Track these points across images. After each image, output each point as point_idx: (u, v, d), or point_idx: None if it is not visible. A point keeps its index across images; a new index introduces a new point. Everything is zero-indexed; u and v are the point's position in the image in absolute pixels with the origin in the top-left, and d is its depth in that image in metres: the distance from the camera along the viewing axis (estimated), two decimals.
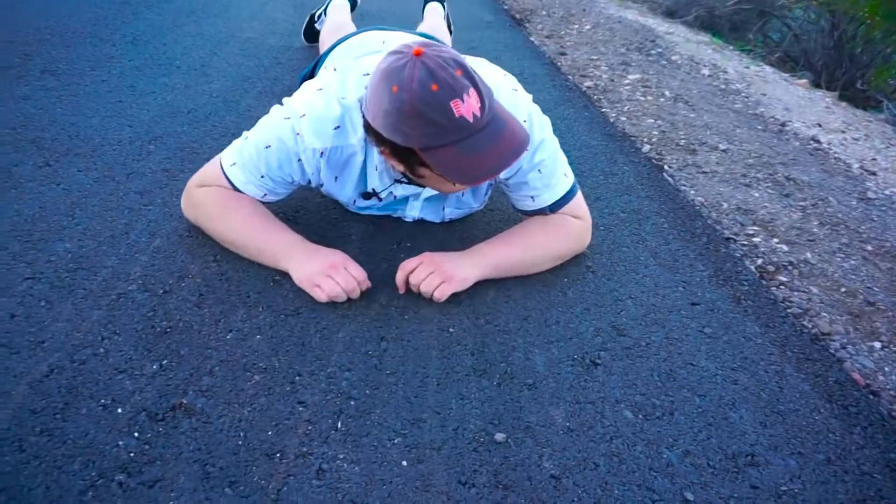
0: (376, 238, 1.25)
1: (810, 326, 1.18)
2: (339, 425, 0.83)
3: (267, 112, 1.11)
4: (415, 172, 0.97)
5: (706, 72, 3.22)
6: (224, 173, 1.11)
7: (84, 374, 0.86)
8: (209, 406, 0.83)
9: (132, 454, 0.76)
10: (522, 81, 1.16)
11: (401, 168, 0.98)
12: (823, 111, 3.17)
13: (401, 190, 1.16)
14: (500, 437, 0.84)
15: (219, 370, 0.89)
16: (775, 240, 1.49)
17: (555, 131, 1.15)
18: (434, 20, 2.37)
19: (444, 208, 1.27)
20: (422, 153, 0.89)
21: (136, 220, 1.22)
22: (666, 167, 1.82)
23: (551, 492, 0.78)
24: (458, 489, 0.77)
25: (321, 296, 1.04)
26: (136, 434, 0.78)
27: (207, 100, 1.86)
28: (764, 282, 1.31)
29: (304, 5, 3.14)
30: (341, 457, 0.79)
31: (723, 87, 3.01)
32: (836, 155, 2.29)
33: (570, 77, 2.64)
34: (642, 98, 2.50)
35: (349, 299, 1.06)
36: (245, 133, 1.12)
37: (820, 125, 2.80)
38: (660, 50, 3.40)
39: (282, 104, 1.09)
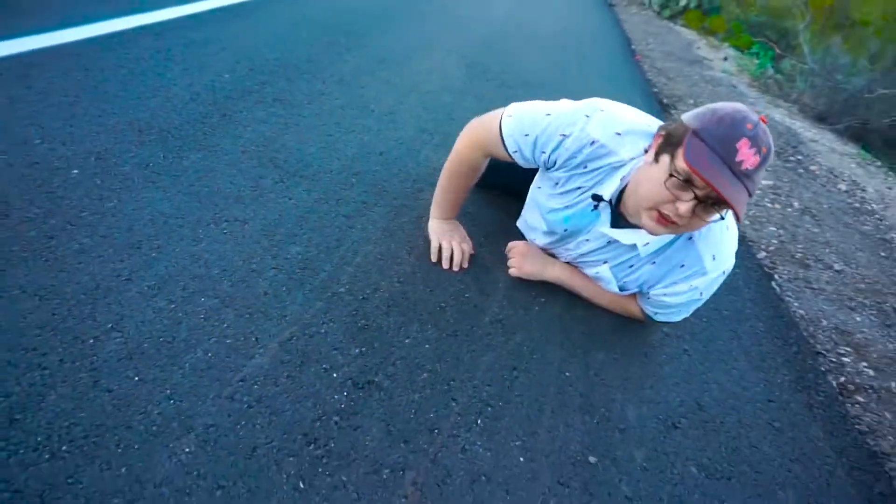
0: (518, 288, 1.58)
1: (872, 444, 1.37)
2: (479, 422, 1.16)
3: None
4: (656, 157, 1.12)
5: (843, 187, 3.31)
6: (500, 118, 1.38)
7: (312, 345, 1.24)
8: (392, 386, 1.19)
9: (343, 405, 1.12)
10: None
11: (652, 155, 1.13)
12: None
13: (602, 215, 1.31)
14: (592, 459, 1.13)
15: (399, 364, 1.25)
16: (864, 363, 1.67)
17: None
18: None
19: (603, 263, 1.40)
20: (691, 134, 1.04)
21: (344, 238, 1.63)
22: (776, 276, 2.02)
23: None
24: (556, 487, 1.07)
25: (435, 251, 1.59)
26: (345, 393, 1.15)
27: (394, 145, 2.28)
28: (841, 397, 1.50)
29: (475, 65, 3.59)
30: (478, 444, 1.11)
31: (857, 205, 3.10)
32: None
33: None
34: (770, 205, 2.68)
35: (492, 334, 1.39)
36: (538, 101, 1.36)
37: None
38: (800, 157, 3.52)
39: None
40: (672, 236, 1.27)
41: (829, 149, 4.00)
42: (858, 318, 1.89)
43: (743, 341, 1.59)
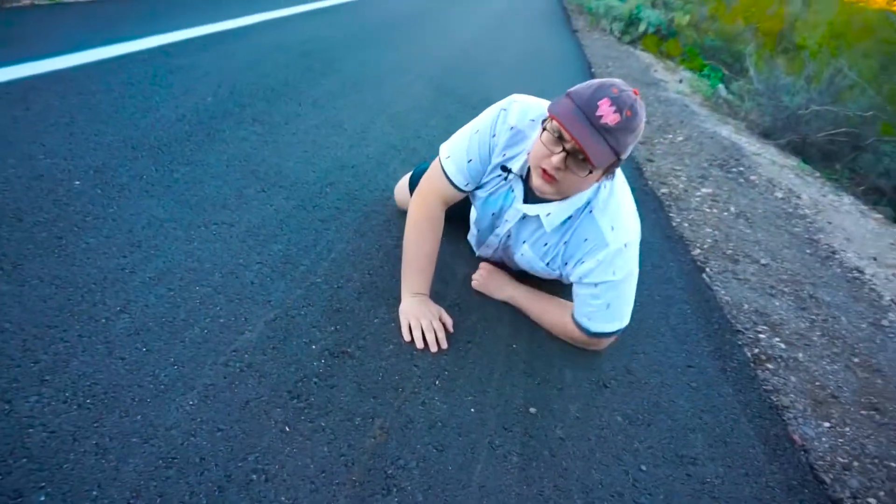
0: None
1: (774, 399, 1.61)
2: (437, 382, 1.37)
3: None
4: (543, 125, 1.27)
5: (779, 194, 3.60)
6: (442, 166, 1.50)
7: (293, 324, 1.44)
8: (363, 356, 1.40)
9: (321, 370, 1.32)
10: None
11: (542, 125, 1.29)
12: (888, 247, 3.42)
13: (509, 184, 1.46)
14: (532, 410, 1.35)
15: (370, 338, 1.46)
16: (777, 339, 1.91)
17: None
18: None
19: (523, 242, 1.53)
20: (563, 95, 1.23)
21: (320, 238, 1.84)
22: (707, 269, 2.28)
23: (557, 445, 1.27)
24: (501, 432, 1.28)
25: (406, 332, 1.48)
26: (323, 360, 1.35)
27: (365, 160, 2.50)
28: (753, 365, 1.74)
29: (442, 87, 3.85)
30: (437, 399, 1.32)
31: (790, 210, 3.39)
32: (873, 286, 2.62)
33: (649, 182, 3.14)
34: (708, 210, 2.96)
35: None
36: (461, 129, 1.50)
37: (876, 259, 3.08)
38: (741, 169, 3.82)
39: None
40: (573, 210, 1.37)
41: (770, 161, 4.32)
42: (777, 303, 2.14)
43: (671, 321, 1.83)
